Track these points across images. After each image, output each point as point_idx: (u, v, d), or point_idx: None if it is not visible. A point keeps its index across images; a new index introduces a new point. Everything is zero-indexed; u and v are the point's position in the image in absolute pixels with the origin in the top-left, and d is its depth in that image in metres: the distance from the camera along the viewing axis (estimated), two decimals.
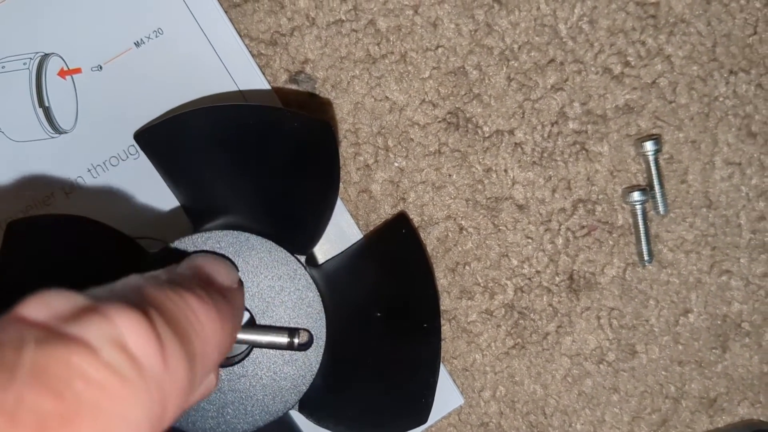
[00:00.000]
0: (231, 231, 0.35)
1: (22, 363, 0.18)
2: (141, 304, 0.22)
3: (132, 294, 0.23)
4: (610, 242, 0.44)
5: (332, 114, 0.42)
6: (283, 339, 0.34)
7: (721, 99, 0.44)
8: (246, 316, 0.36)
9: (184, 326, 0.23)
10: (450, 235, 0.43)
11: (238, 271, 0.34)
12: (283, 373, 0.35)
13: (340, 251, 0.42)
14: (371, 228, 0.43)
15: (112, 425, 0.19)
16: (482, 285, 0.43)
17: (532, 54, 0.43)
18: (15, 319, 0.20)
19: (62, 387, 0.18)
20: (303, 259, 0.36)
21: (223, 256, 0.35)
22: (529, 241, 0.43)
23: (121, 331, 0.20)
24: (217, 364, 0.27)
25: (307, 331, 0.35)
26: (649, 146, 0.43)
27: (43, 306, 0.20)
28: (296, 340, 0.35)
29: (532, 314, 0.43)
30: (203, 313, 0.25)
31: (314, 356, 0.35)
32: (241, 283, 0.34)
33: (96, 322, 0.20)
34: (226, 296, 0.28)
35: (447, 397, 0.42)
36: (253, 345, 0.35)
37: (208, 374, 0.26)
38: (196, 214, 0.39)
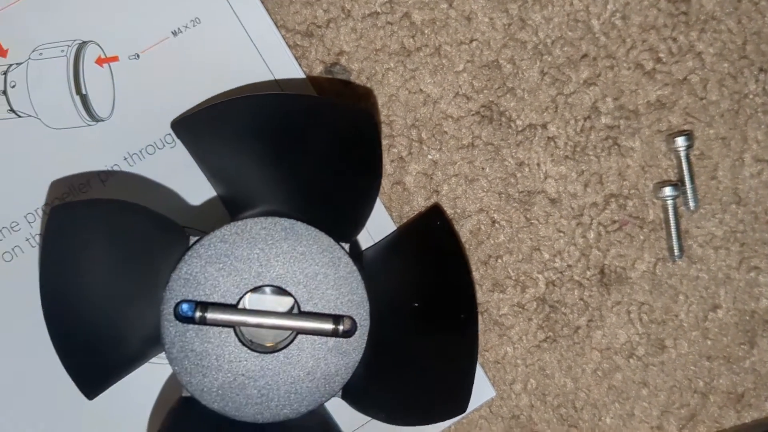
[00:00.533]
0: (275, 217, 0.35)
1: None
2: None
3: None
4: (641, 237, 0.44)
5: (371, 103, 0.42)
6: (328, 326, 0.34)
7: (751, 96, 0.44)
8: (290, 302, 0.36)
9: None
10: (482, 228, 0.43)
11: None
12: (327, 360, 0.35)
13: (373, 243, 0.42)
14: (404, 220, 0.43)
15: None
16: (514, 278, 0.43)
17: (565, 49, 0.43)
18: None
19: None
20: (347, 247, 0.36)
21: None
22: (561, 234, 0.43)
23: None
24: None
25: (351, 318, 0.35)
26: (680, 142, 0.43)
27: None
28: (341, 327, 0.35)
29: (563, 308, 0.43)
30: None
31: (358, 344, 0.35)
32: None
33: None
34: None
35: (479, 389, 0.42)
36: (298, 331, 0.35)
37: None
38: (234, 204, 0.39)
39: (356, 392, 0.36)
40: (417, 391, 0.37)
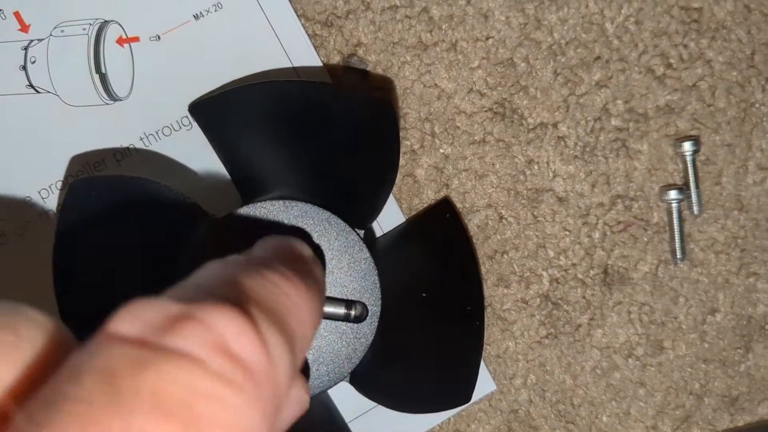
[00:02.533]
0: (290, 201, 0.36)
1: (128, 388, 0.16)
2: (233, 298, 0.20)
3: (221, 288, 0.21)
4: (645, 239, 0.44)
5: (388, 94, 0.43)
6: (340, 310, 0.35)
7: (757, 105, 0.45)
8: None
9: (280, 312, 0.22)
10: (490, 223, 0.44)
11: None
12: (338, 344, 0.36)
13: (381, 233, 0.42)
14: (413, 212, 0.43)
15: None
16: (519, 274, 0.44)
17: (579, 50, 0.44)
18: (107, 338, 0.18)
19: (178, 408, 0.17)
20: (362, 233, 0.37)
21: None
22: (567, 233, 0.44)
23: (223, 335, 0.19)
24: (310, 342, 0.26)
25: (363, 303, 0.36)
26: (687, 147, 0.44)
27: (134, 319, 0.18)
28: (353, 312, 0.35)
29: (565, 305, 0.44)
30: (295, 293, 0.23)
31: (368, 329, 0.36)
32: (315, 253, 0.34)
33: (195, 329, 0.18)
34: (309, 270, 0.27)
35: (480, 382, 0.42)
36: None
37: (304, 354, 0.25)
38: (247, 188, 0.39)
39: (364, 377, 0.37)
40: (423, 379, 0.38)
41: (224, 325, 0.19)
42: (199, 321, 0.19)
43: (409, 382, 0.38)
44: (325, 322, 0.36)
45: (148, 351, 0.17)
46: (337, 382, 0.36)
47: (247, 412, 0.18)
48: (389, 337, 0.37)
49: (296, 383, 0.27)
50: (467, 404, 0.38)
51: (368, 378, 0.37)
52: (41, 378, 0.18)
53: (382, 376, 0.37)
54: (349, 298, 0.36)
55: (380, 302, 0.36)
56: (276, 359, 0.20)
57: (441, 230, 0.42)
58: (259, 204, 0.36)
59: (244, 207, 0.36)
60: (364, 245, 0.36)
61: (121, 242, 0.36)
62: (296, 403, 0.28)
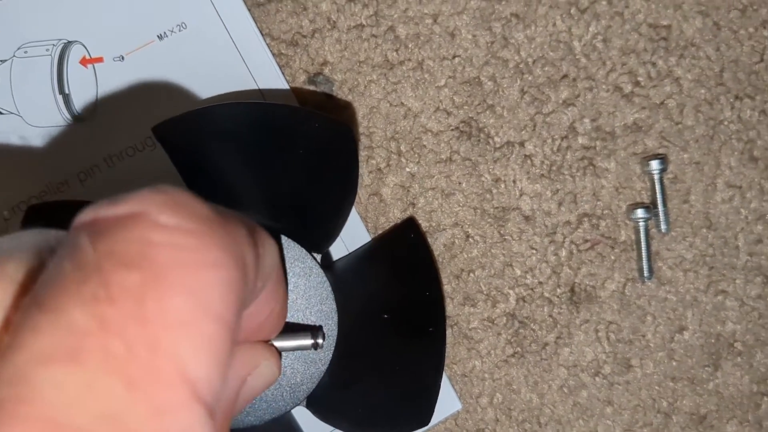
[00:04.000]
0: None
1: (90, 256, 0.18)
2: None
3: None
4: (612, 257, 0.44)
5: (351, 115, 0.43)
6: (308, 341, 0.34)
7: (725, 123, 0.45)
8: None
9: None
10: (456, 242, 0.44)
11: None
12: (294, 369, 0.36)
13: (347, 252, 0.42)
14: (380, 231, 0.43)
15: (201, 273, 0.19)
16: (485, 293, 0.44)
17: (546, 69, 0.44)
18: (72, 230, 0.20)
19: (135, 259, 0.18)
20: (319, 257, 0.37)
21: None
22: (534, 251, 0.44)
23: (171, 194, 0.20)
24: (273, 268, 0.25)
25: (322, 328, 0.36)
26: (655, 165, 0.44)
27: (89, 210, 0.20)
28: (319, 341, 0.35)
29: (532, 324, 0.44)
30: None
31: (325, 354, 0.36)
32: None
33: (142, 195, 0.20)
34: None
35: (445, 402, 0.42)
36: (281, 350, 0.35)
37: (268, 281, 0.25)
38: None
39: (321, 401, 0.37)
40: (381, 402, 0.38)
41: (171, 190, 0.20)
42: (145, 191, 0.20)
43: (366, 405, 0.38)
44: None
45: (101, 224, 0.19)
46: (293, 407, 0.36)
47: (207, 251, 0.19)
48: (348, 359, 0.37)
49: (265, 352, 0.28)
50: (428, 426, 0.38)
51: (325, 402, 0.37)
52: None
53: (340, 400, 0.37)
54: (309, 323, 0.36)
55: (337, 327, 0.36)
56: (231, 222, 0.21)
57: (404, 250, 0.42)
58: None
59: None
60: (321, 270, 0.36)
61: None
62: (265, 375, 0.29)
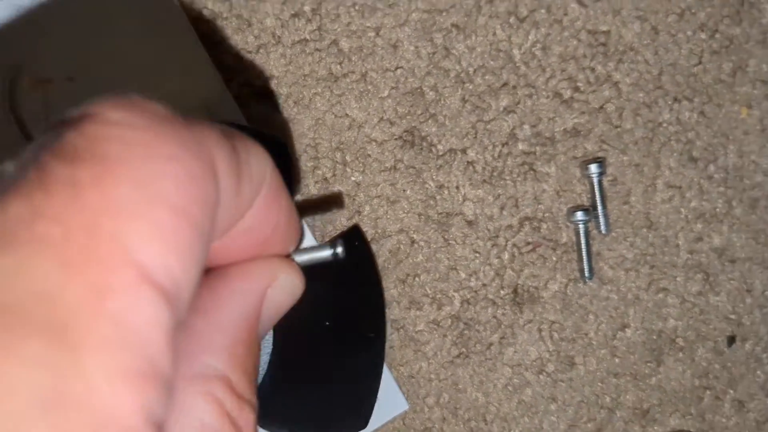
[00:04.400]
0: None
1: (32, 155, 0.18)
2: None
3: None
4: (554, 258, 0.46)
5: (289, 133, 0.44)
6: (327, 252, 0.34)
7: (664, 125, 0.46)
8: None
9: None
10: (402, 247, 0.45)
11: None
12: None
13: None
14: (326, 239, 0.45)
15: (152, 165, 0.18)
16: (430, 296, 0.45)
17: (487, 77, 0.45)
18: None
19: (84, 154, 0.18)
20: None
21: None
22: (477, 255, 0.46)
23: (119, 97, 0.19)
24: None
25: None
26: (593, 169, 0.45)
27: (52, 119, 0.20)
28: (339, 249, 0.34)
29: (477, 325, 0.46)
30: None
31: (262, 359, 0.37)
32: None
33: (90, 101, 0.19)
34: None
35: (392, 402, 0.44)
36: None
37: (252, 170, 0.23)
38: None
39: (259, 406, 0.38)
40: (320, 406, 0.39)
41: (129, 93, 0.19)
42: (102, 96, 0.19)
43: (305, 409, 0.39)
44: None
45: (56, 128, 0.19)
46: None
47: (160, 145, 0.18)
48: (288, 364, 0.38)
49: (282, 265, 0.28)
50: (371, 429, 0.39)
51: (263, 406, 0.38)
52: None
53: (278, 405, 0.39)
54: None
55: (273, 333, 0.38)
56: (196, 123, 0.20)
57: (348, 257, 0.43)
58: None
59: None
60: None
61: None
62: (286, 288, 0.29)
